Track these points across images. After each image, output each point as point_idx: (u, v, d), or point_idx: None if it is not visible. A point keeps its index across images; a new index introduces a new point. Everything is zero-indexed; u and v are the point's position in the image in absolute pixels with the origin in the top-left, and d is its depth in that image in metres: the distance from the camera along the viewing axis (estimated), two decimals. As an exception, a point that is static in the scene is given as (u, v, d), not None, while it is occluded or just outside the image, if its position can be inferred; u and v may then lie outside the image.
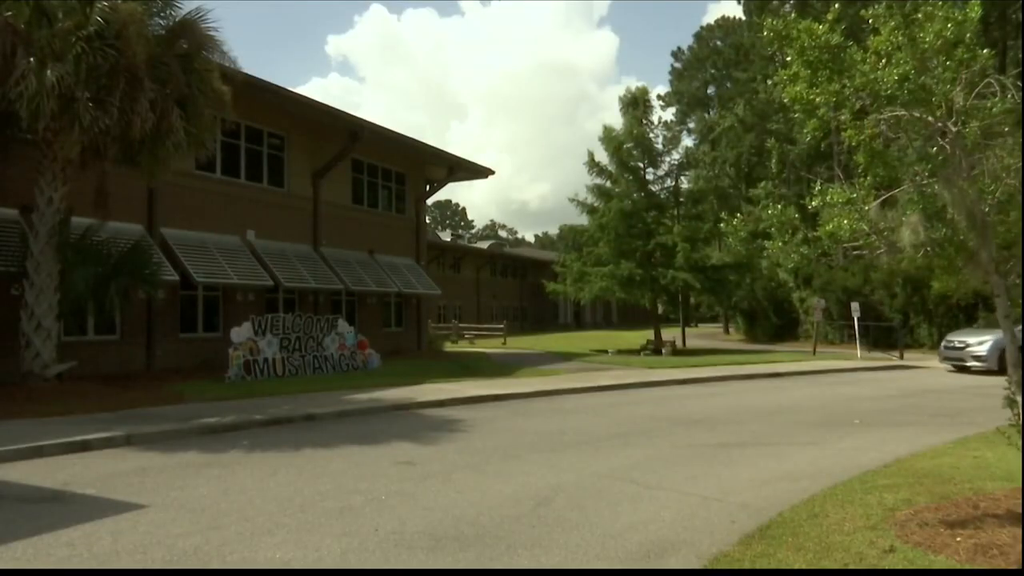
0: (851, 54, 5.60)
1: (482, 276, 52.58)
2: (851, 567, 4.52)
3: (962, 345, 19.25)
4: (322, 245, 21.83)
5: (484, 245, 60.36)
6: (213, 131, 14.65)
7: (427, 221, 31.32)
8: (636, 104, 29.37)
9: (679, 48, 61.43)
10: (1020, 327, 5.76)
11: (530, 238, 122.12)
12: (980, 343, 18.75)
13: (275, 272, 19.16)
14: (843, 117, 5.80)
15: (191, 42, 13.30)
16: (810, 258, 7.05)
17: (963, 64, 5.35)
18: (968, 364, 18.87)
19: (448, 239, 60.88)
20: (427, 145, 25.55)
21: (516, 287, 57.31)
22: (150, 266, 14.27)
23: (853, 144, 5.86)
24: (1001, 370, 16.63)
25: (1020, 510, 5.25)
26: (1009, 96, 5.36)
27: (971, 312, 26.17)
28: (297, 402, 12.43)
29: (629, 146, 28.78)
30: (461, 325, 39.80)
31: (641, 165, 29.22)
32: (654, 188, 29.63)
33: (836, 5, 5.93)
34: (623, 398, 14.27)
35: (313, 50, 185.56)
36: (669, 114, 56.53)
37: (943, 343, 20.40)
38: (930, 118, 5.47)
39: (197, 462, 8.02)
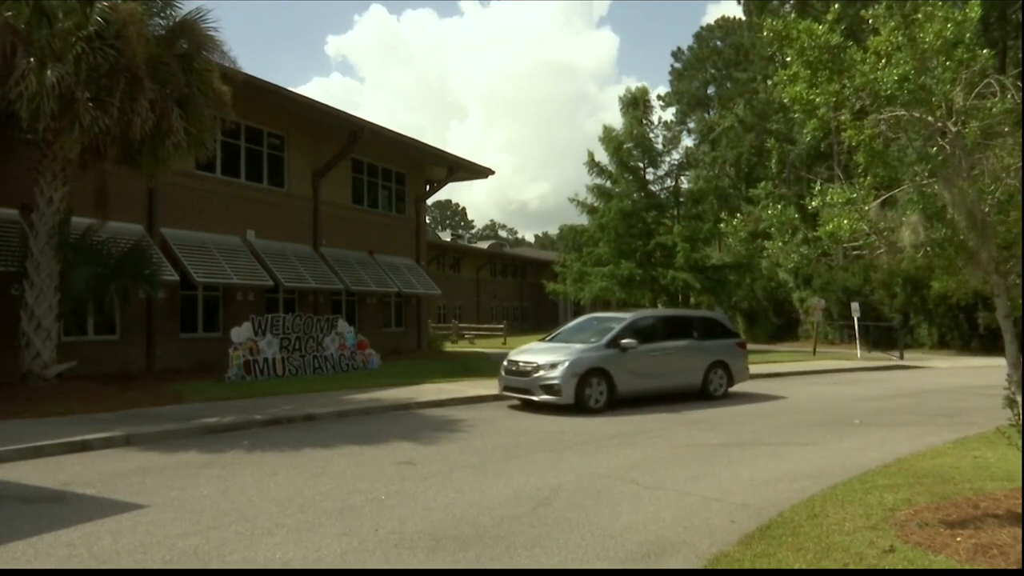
0: (851, 54, 5.60)
1: (482, 276, 52.58)
2: (851, 567, 4.52)
3: (528, 367, 12.43)
4: (322, 245, 21.83)
5: (484, 245, 60.37)
6: (213, 131, 14.64)
7: (427, 221, 31.32)
8: (636, 104, 29.43)
9: (679, 48, 61.52)
10: (1015, 328, 5.71)
11: (530, 238, 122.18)
12: (552, 365, 12.11)
13: (275, 272, 19.16)
14: (843, 117, 5.81)
15: (191, 42, 13.29)
16: (810, 258, 7.06)
17: (963, 64, 5.35)
18: (536, 397, 12.14)
19: (448, 239, 60.88)
20: (427, 145, 25.56)
21: (516, 287, 57.33)
22: (150, 266, 14.26)
23: (853, 144, 5.87)
24: (579, 405, 11.88)
25: (1020, 510, 5.25)
26: (1009, 96, 5.36)
27: (971, 312, 26.14)
28: (297, 402, 12.43)
29: (629, 146, 28.84)
30: (461, 325, 39.81)
31: (641, 165, 29.27)
32: (654, 188, 29.68)
33: (836, 5, 5.93)
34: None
35: (313, 50, 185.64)
36: (669, 114, 56.52)
37: (504, 363, 13.18)
38: (930, 118, 5.47)
39: (197, 462, 8.03)
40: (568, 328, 14.55)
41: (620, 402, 12.46)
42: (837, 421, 11.07)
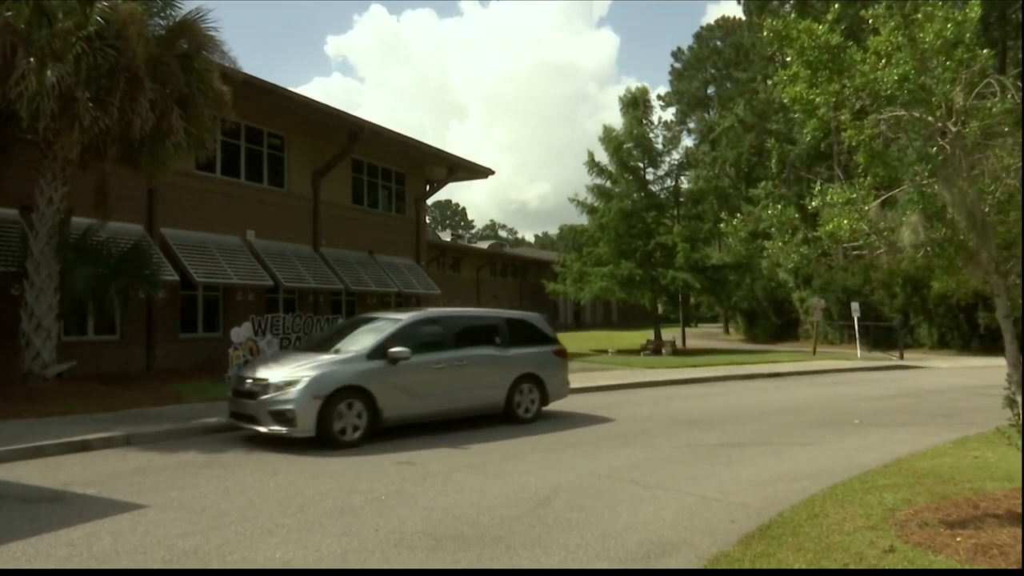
0: (851, 54, 5.60)
1: (482, 276, 52.54)
2: (851, 567, 4.52)
3: (257, 387, 9.17)
4: (322, 245, 21.82)
5: (484, 245, 60.30)
6: (213, 131, 14.62)
7: (427, 221, 31.31)
8: (636, 104, 29.41)
9: (679, 48, 61.58)
10: (1014, 329, 5.71)
11: (530, 238, 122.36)
12: (287, 383, 8.91)
13: (275, 272, 19.15)
14: (843, 117, 5.81)
15: (191, 42, 13.28)
16: (810, 258, 7.07)
17: (963, 64, 5.35)
18: (263, 427, 8.93)
19: (448, 239, 60.86)
20: (427, 145, 25.54)
21: (516, 287, 57.27)
22: (150, 266, 14.26)
23: (853, 144, 5.87)
24: (324, 438, 8.80)
25: (1020, 510, 5.25)
26: (1009, 96, 5.36)
27: (971, 312, 26.14)
28: (297, 402, 12.38)
29: (629, 146, 28.82)
30: (461, 325, 39.70)
31: (641, 165, 29.26)
32: (654, 188, 29.66)
33: (836, 5, 5.93)
34: (623, 398, 14.27)
35: (313, 50, 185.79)
36: (669, 114, 56.57)
37: (233, 378, 10.89)
38: (930, 118, 5.47)
39: (197, 462, 8.03)
40: (333, 332, 11.41)
41: (388, 430, 9.49)
42: (837, 421, 11.07)
